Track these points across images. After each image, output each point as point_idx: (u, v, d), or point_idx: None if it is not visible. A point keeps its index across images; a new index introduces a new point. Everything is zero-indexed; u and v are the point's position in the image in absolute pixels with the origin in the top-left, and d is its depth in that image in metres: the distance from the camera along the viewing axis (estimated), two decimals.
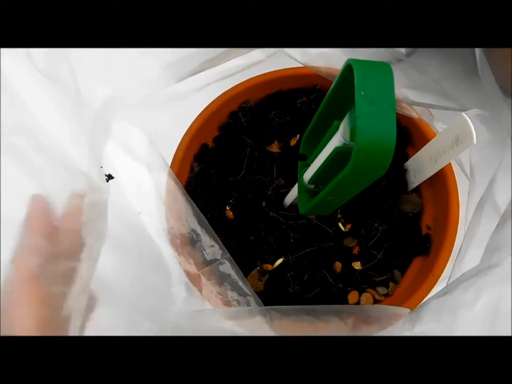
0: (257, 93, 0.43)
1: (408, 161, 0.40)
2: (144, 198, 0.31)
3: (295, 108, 0.43)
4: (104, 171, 0.27)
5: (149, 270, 0.29)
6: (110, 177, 0.29)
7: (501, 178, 0.29)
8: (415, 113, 0.37)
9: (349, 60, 0.20)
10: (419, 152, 0.38)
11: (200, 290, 0.31)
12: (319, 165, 0.26)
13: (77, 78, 0.25)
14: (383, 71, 0.19)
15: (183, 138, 0.40)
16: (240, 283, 0.31)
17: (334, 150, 0.23)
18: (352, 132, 0.22)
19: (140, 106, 0.28)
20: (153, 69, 0.28)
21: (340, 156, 0.23)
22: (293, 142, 0.42)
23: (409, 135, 0.41)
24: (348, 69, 0.21)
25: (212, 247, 0.31)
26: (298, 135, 0.42)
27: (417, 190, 0.40)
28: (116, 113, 0.27)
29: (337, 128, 0.23)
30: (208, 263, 0.32)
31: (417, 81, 0.34)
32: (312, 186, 0.31)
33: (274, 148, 0.42)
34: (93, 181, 0.25)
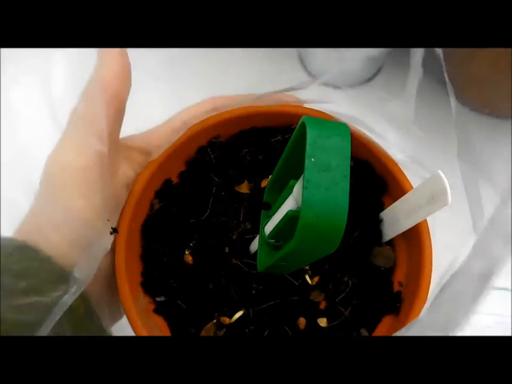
0: (229, 128, 0.41)
1: (384, 211, 0.38)
2: None
3: (268, 147, 0.41)
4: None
5: None
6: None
7: None
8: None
9: (304, 117, 0.18)
10: (395, 203, 0.36)
11: None
12: (276, 223, 0.24)
13: None
14: (340, 133, 0.17)
15: (142, 172, 0.37)
16: None
17: (287, 213, 0.21)
18: None
19: None
20: None
21: (293, 219, 0.21)
22: (264, 183, 0.39)
23: (386, 184, 0.39)
24: (303, 126, 0.19)
25: None
26: (270, 176, 0.40)
27: (391, 242, 0.38)
28: None
29: (292, 188, 0.21)
30: None
31: None
32: (272, 240, 0.28)
33: (244, 188, 0.40)
34: None
